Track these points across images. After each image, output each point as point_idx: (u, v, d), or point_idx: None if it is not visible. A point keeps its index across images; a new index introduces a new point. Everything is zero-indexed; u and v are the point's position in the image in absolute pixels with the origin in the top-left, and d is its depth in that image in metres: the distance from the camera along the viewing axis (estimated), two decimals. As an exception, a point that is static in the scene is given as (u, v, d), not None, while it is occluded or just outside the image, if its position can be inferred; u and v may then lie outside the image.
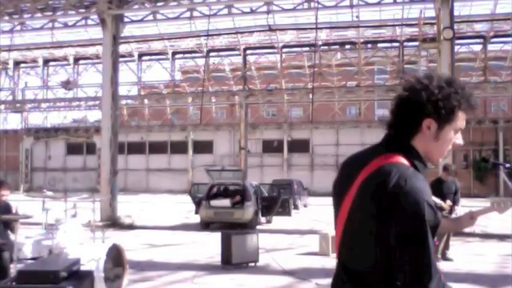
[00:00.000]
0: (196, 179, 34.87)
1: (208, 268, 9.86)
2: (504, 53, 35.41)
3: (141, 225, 17.54)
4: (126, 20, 20.55)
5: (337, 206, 1.95)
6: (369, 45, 37.65)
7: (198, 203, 17.36)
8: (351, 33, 34.94)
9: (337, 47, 38.04)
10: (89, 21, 21.61)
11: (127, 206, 21.16)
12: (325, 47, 37.58)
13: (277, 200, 17.82)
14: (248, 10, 21.03)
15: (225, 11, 20.54)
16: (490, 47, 34.19)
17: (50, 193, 8.64)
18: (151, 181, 44.61)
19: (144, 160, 45.34)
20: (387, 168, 1.78)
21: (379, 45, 37.19)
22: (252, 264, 9.98)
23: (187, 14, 20.83)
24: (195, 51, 38.69)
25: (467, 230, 14.51)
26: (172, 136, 44.65)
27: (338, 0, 20.16)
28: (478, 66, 35.32)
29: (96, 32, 24.81)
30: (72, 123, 48.53)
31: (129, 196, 31.73)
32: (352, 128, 40.66)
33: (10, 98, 42.22)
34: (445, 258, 10.16)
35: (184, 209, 21.96)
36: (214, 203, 16.94)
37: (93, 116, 46.30)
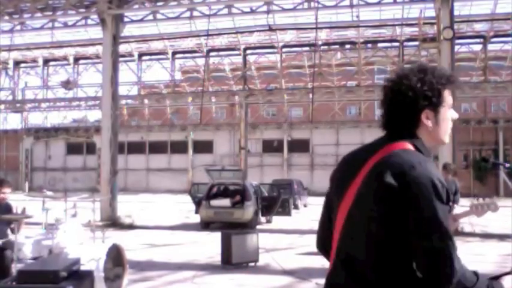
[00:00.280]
0: (196, 179, 34.87)
1: (208, 268, 9.86)
2: (504, 53, 35.40)
3: (141, 225, 17.53)
4: (126, 19, 20.56)
5: (338, 199, 1.94)
6: (369, 45, 37.65)
7: (198, 203, 17.37)
8: (351, 33, 34.93)
9: (337, 46, 38.04)
10: (89, 21, 21.62)
11: (127, 206, 21.15)
12: (325, 47, 37.59)
13: (277, 200, 17.82)
14: (248, 10, 21.03)
15: (225, 10, 20.54)
16: (490, 47, 34.19)
17: (50, 193, 8.64)
18: (151, 181, 44.62)
19: (144, 160, 45.34)
20: (400, 153, 1.84)
21: (379, 45, 37.20)
22: (252, 264, 9.98)
23: (187, 14, 20.84)
24: (195, 51, 38.69)
25: (467, 230, 14.54)
26: (172, 136, 44.65)
27: (338, 0, 20.16)
28: (478, 66, 35.31)
29: (96, 32, 24.81)
30: (72, 123, 48.53)
31: (129, 196, 31.72)
32: (352, 128, 40.66)
33: (10, 98, 42.22)
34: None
35: (184, 208, 21.96)
36: (214, 202, 16.94)
37: (93, 116, 46.36)
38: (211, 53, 38.29)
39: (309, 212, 23.45)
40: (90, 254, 6.52)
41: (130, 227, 17.26)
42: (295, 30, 31.54)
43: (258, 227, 16.17)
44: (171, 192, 38.50)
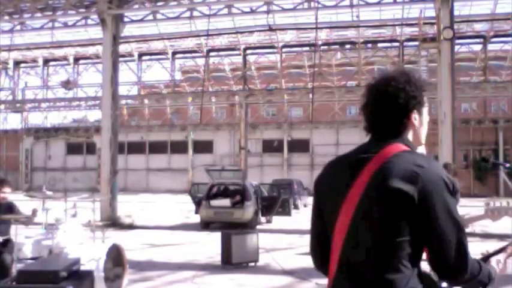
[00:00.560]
0: (196, 178, 34.87)
1: (208, 268, 9.86)
2: (504, 53, 35.41)
3: (141, 225, 17.54)
4: (126, 19, 20.56)
5: (334, 207, 1.89)
6: (369, 45, 37.65)
7: (198, 203, 17.37)
8: (351, 33, 34.93)
9: (337, 46, 38.04)
10: (89, 21, 21.62)
11: (127, 206, 21.14)
12: (325, 47, 37.59)
13: (277, 200, 17.82)
14: (248, 10, 21.03)
15: (225, 10, 20.54)
16: (490, 47, 34.20)
17: (50, 193, 8.64)
18: (151, 181, 44.62)
19: (144, 160, 45.34)
20: (405, 155, 1.86)
21: (379, 45, 37.19)
22: (252, 264, 9.98)
23: (187, 14, 20.84)
24: (195, 51, 38.69)
25: (467, 230, 14.52)
26: (172, 136, 44.65)
27: (338, 0, 20.16)
28: (478, 66, 35.32)
29: (96, 32, 24.80)
30: (72, 123, 48.51)
31: (129, 196, 31.72)
32: (352, 128, 40.56)
33: (10, 98, 42.23)
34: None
35: (184, 208, 21.96)
36: (214, 202, 16.95)
37: (93, 116, 46.34)
38: (211, 53, 38.28)
39: (309, 212, 23.41)
40: (90, 254, 6.52)
41: (130, 227, 17.26)
42: (295, 30, 31.53)
43: (258, 227, 16.16)
44: (171, 192, 38.50)
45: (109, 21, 19.33)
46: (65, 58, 41.16)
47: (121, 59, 26.45)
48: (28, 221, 6.93)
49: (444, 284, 2.25)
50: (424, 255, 1.88)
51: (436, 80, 18.24)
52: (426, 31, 22.44)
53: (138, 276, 8.82)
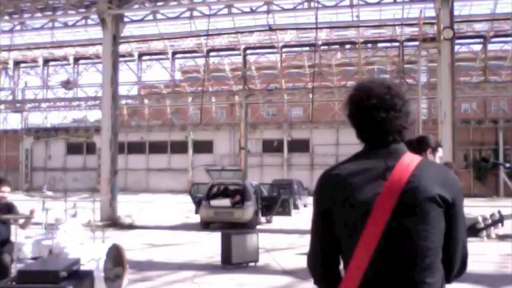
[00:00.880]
0: (196, 178, 34.87)
1: (208, 268, 9.86)
2: (504, 53, 35.40)
3: (141, 225, 17.54)
4: (126, 19, 20.56)
5: (356, 217, 1.84)
6: (369, 45, 37.65)
7: (198, 203, 17.37)
8: (351, 33, 34.92)
9: (337, 46, 38.03)
10: (89, 21, 21.62)
11: (127, 206, 21.15)
12: (325, 47, 37.58)
13: (277, 200, 17.81)
14: (248, 10, 21.02)
15: (225, 10, 20.53)
16: (490, 47, 34.18)
17: (50, 193, 8.64)
18: (151, 181, 44.62)
19: (144, 160, 45.34)
20: (429, 162, 1.98)
21: (379, 45, 37.18)
22: (252, 264, 9.98)
23: (187, 14, 20.84)
24: (195, 51, 38.68)
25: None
26: (172, 136, 44.64)
27: (338, 0, 20.16)
28: (478, 66, 35.31)
29: (96, 32, 24.83)
30: (72, 123, 48.50)
31: (129, 196, 31.72)
32: (352, 128, 40.39)
33: (10, 98, 42.23)
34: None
35: (184, 208, 21.95)
36: (214, 202, 16.95)
37: (93, 116, 46.34)
38: (211, 53, 38.27)
39: (309, 212, 23.40)
40: (90, 254, 6.52)
41: (130, 227, 17.26)
42: (295, 30, 31.52)
43: (258, 227, 16.16)
44: (171, 192, 38.50)
45: (109, 21, 19.33)
46: (65, 58, 41.15)
47: (121, 59, 26.46)
48: (26, 222, 6.89)
49: None
50: None
51: (436, 80, 18.26)
52: (426, 31, 22.46)
53: (138, 276, 8.82)
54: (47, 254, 7.00)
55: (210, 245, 12.10)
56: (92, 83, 41.24)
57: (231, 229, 12.44)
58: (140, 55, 40.16)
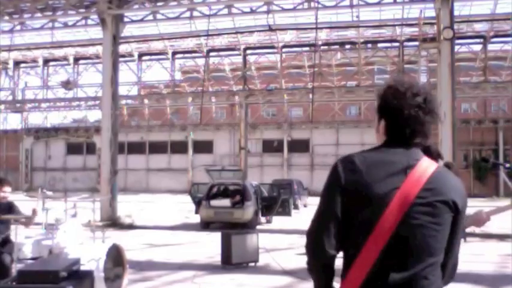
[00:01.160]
0: (196, 179, 34.86)
1: (208, 268, 9.86)
2: (504, 53, 35.40)
3: (141, 225, 17.54)
4: (126, 20, 20.56)
5: (379, 203, 1.86)
6: (369, 45, 37.65)
7: (198, 203, 17.37)
8: (351, 33, 34.93)
9: (337, 47, 38.04)
10: (89, 21, 21.62)
11: (127, 206, 21.15)
12: (325, 47, 37.59)
13: (277, 200, 17.81)
14: (248, 10, 21.03)
15: (225, 11, 20.54)
16: (490, 47, 34.19)
17: (50, 193, 8.64)
18: (151, 181, 44.61)
19: (144, 160, 45.33)
20: (449, 171, 2.04)
21: (379, 45, 37.19)
22: (252, 264, 9.98)
23: (187, 14, 20.84)
24: (195, 51, 38.70)
25: (467, 230, 14.53)
26: (172, 136, 44.64)
27: (338, 0, 20.16)
28: (478, 66, 35.32)
29: (96, 32, 24.83)
30: (72, 123, 48.50)
31: (129, 196, 31.72)
32: (352, 128, 40.66)
33: (10, 98, 42.23)
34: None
35: (184, 208, 21.96)
36: (214, 203, 16.95)
37: (93, 116, 46.35)
38: (211, 53, 38.28)
39: (309, 212, 23.45)
40: (90, 254, 6.52)
41: (130, 227, 17.27)
42: (295, 30, 31.53)
43: (258, 227, 16.17)
44: (171, 192, 38.51)
45: (109, 21, 19.33)
46: (65, 58, 41.16)
47: (121, 59, 26.46)
48: (28, 221, 6.90)
49: None
50: None
51: (436, 80, 18.25)
52: (426, 31, 22.47)
53: (138, 276, 8.83)
54: (47, 254, 7.00)
55: (210, 245, 12.10)
56: (92, 83, 41.31)
57: (231, 229, 12.44)
58: (140, 55, 40.16)
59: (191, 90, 40.05)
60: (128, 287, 7.32)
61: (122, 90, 33.28)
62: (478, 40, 34.26)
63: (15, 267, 6.41)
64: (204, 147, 43.50)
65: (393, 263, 1.86)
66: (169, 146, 44.91)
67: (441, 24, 16.78)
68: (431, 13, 19.66)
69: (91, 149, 44.21)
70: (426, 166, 1.93)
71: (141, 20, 21.64)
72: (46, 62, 42.22)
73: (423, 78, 28.34)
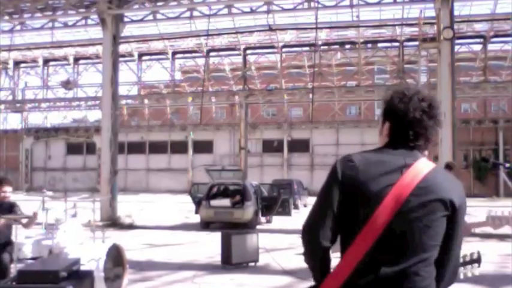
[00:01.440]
0: (196, 179, 34.87)
1: (208, 268, 9.86)
2: (504, 53, 35.39)
3: (141, 225, 17.54)
4: (126, 19, 20.56)
5: (372, 201, 1.93)
6: (369, 45, 37.64)
7: (198, 203, 17.36)
8: (351, 33, 34.92)
9: (337, 47, 38.03)
10: (89, 21, 21.62)
11: (127, 206, 21.15)
12: (325, 47, 37.57)
13: (277, 200, 17.81)
14: (248, 10, 21.02)
15: (225, 10, 20.54)
16: (490, 47, 34.18)
17: (50, 193, 8.64)
18: (151, 181, 44.61)
19: (144, 160, 45.34)
20: (442, 168, 2.10)
21: (379, 45, 37.18)
22: (252, 264, 9.98)
23: (187, 14, 20.84)
24: (195, 51, 38.68)
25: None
26: (172, 136, 44.64)
27: (338, 0, 20.16)
28: (478, 66, 35.31)
29: (96, 32, 24.83)
30: (72, 123, 48.50)
31: (129, 196, 31.73)
32: (352, 128, 40.66)
33: (10, 98, 42.22)
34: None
35: (184, 208, 21.96)
36: (214, 202, 16.94)
37: (93, 116, 46.35)
38: (211, 53, 38.27)
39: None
40: (90, 254, 6.52)
41: (130, 227, 17.26)
42: (295, 30, 31.53)
43: (258, 227, 16.17)
44: (171, 192, 38.51)
45: (109, 21, 19.33)
46: (65, 58, 41.15)
47: (121, 59, 26.46)
48: (28, 223, 6.86)
49: None
50: None
51: (436, 80, 18.25)
52: (426, 31, 22.47)
53: (138, 276, 8.83)
54: (47, 254, 7.00)
55: (210, 245, 12.10)
56: (92, 83, 41.30)
57: (231, 229, 12.43)
58: (140, 55, 40.15)
59: (191, 90, 40.05)
60: (127, 287, 7.32)
61: (122, 90, 33.30)
62: (478, 40, 34.26)
63: (15, 267, 6.40)
64: (204, 147, 43.50)
65: (385, 257, 1.91)
66: (169, 146, 44.91)
67: (441, 24, 16.78)
68: (431, 13, 19.66)
69: (91, 149, 44.21)
70: (422, 166, 2.00)
71: (141, 20, 21.64)
72: (46, 62, 42.21)
73: (423, 78, 28.37)
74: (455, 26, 18.61)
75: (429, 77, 28.84)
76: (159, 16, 21.30)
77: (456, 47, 23.59)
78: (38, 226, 8.19)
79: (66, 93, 40.15)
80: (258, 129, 42.23)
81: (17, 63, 42.18)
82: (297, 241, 13.67)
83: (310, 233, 2.04)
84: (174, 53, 39.49)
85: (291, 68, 40.43)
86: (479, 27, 32.58)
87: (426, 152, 2.16)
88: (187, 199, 20.28)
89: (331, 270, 2.01)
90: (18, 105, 43.21)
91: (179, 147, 43.71)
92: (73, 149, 46.87)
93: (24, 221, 6.80)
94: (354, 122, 42.01)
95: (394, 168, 1.97)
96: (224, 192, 17.80)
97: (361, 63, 36.06)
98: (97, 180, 32.46)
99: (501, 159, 35.46)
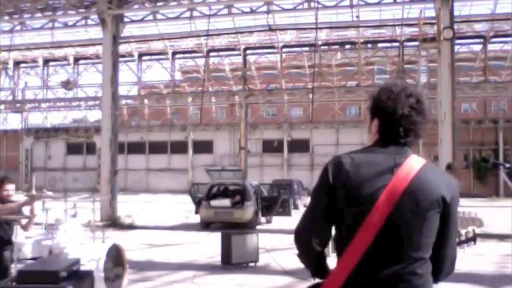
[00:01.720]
0: (196, 179, 34.86)
1: (208, 268, 9.86)
2: (504, 53, 35.38)
3: (141, 225, 17.54)
4: (126, 20, 20.57)
5: (365, 201, 1.93)
6: (369, 45, 37.63)
7: (198, 203, 17.37)
8: (351, 33, 34.91)
9: (337, 47, 38.02)
10: (89, 21, 21.63)
11: (127, 206, 21.15)
12: (325, 47, 37.56)
13: (277, 200, 17.81)
14: (248, 10, 21.03)
15: (225, 11, 20.54)
16: (490, 47, 34.18)
17: (50, 193, 8.64)
18: (151, 181, 44.61)
19: (144, 160, 45.33)
20: (433, 164, 2.10)
21: (379, 45, 37.16)
22: (252, 264, 9.98)
23: (187, 14, 20.84)
24: (195, 51, 38.67)
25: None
26: (172, 136, 44.64)
27: (338, 0, 20.16)
28: (478, 66, 35.31)
29: (96, 32, 24.82)
30: (72, 123, 48.50)
31: (129, 196, 31.72)
32: (352, 128, 40.62)
33: (10, 98, 42.21)
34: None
35: (184, 208, 21.95)
36: (214, 203, 16.94)
37: (93, 116, 46.35)
38: (211, 53, 38.25)
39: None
40: (90, 254, 6.52)
41: (130, 227, 17.26)
42: (295, 30, 31.51)
43: (258, 227, 16.17)
44: (171, 192, 38.50)
45: (109, 21, 19.33)
46: (65, 58, 41.14)
47: (121, 59, 26.46)
48: (28, 224, 6.85)
49: None
50: None
51: (436, 80, 18.26)
52: (426, 31, 22.45)
53: (138, 276, 8.83)
54: (47, 254, 7.00)
55: (210, 245, 12.10)
56: (92, 83, 41.31)
57: (231, 229, 12.44)
58: (140, 55, 40.14)
59: (191, 90, 40.05)
60: (127, 287, 7.32)
61: (122, 90, 33.30)
62: (478, 40, 34.25)
63: (15, 267, 6.40)
64: (204, 147, 43.50)
65: (382, 257, 1.92)
66: (169, 146, 44.91)
67: (441, 24, 16.78)
68: (431, 13, 19.67)
69: (91, 149, 44.20)
70: (413, 164, 1.99)
71: (141, 20, 21.65)
72: (46, 62, 42.20)
73: (423, 78, 28.34)
74: (455, 26, 18.61)
75: (429, 77, 28.83)
76: (159, 16, 21.31)
77: (456, 47, 23.59)
78: (38, 226, 8.18)
79: (66, 93, 40.15)
80: (258, 129, 42.23)
81: (17, 63, 42.17)
82: (297, 241, 13.67)
83: (303, 237, 2.10)
84: (174, 53, 39.48)
85: (291, 68, 40.42)
86: (479, 27, 32.57)
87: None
88: (187, 199, 20.28)
89: (331, 270, 2.02)
90: (18, 105, 43.20)
91: (179, 147, 43.71)
92: (73, 149, 46.88)
93: (24, 221, 6.79)
94: (354, 122, 41.97)
95: (385, 168, 1.97)
96: (224, 193, 17.80)
97: (361, 63, 36.06)
98: (97, 180, 32.43)
99: (501, 159, 35.45)
